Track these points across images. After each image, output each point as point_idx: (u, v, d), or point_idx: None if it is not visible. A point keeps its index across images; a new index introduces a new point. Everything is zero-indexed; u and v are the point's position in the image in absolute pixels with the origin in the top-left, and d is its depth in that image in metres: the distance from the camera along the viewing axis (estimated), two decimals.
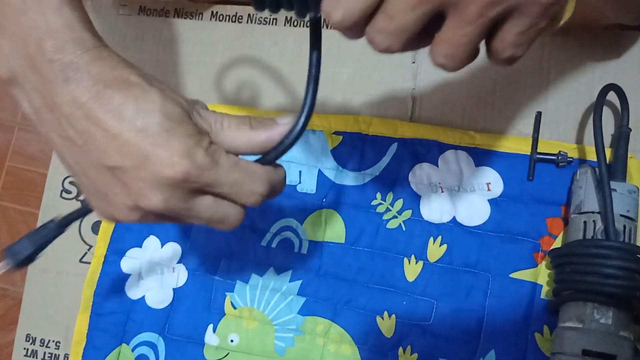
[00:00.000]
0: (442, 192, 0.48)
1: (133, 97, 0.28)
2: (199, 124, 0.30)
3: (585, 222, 0.42)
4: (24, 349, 0.52)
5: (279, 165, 0.34)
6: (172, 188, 0.28)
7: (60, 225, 0.38)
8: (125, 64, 0.30)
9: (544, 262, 0.46)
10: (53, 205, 0.54)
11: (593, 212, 0.42)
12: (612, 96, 0.45)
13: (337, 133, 0.51)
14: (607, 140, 0.46)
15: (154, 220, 0.31)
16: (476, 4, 0.24)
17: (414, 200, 0.49)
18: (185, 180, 0.28)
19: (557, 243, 0.46)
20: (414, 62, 0.51)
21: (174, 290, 0.50)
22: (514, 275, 0.46)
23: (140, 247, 0.51)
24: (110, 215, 0.31)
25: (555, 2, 0.25)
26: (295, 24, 0.53)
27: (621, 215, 0.41)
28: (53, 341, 0.52)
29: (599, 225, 0.41)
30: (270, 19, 0.54)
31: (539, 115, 0.48)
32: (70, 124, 0.28)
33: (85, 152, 0.29)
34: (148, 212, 0.30)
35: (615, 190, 0.41)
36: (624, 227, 0.41)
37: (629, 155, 0.44)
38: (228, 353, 0.48)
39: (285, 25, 0.54)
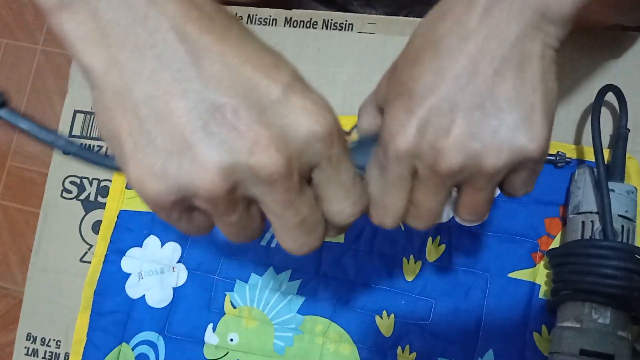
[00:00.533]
0: None
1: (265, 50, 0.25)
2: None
3: (583, 222, 0.42)
4: (25, 347, 0.52)
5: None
6: (318, 142, 0.24)
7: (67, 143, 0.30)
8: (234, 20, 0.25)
9: (542, 262, 0.46)
10: (54, 204, 0.54)
11: (591, 213, 0.42)
12: (610, 97, 0.45)
13: None
14: (606, 140, 0.46)
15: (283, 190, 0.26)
16: (483, 176, 0.25)
17: None
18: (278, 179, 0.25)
19: (555, 243, 0.46)
20: None
21: (174, 289, 0.50)
22: (512, 275, 0.46)
23: (141, 246, 0.51)
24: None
25: (547, 152, 0.27)
26: (295, 24, 0.54)
27: (619, 216, 0.41)
28: (54, 340, 0.52)
29: (597, 225, 0.41)
30: (270, 19, 0.54)
31: None
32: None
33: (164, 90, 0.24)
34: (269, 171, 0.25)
35: (613, 190, 0.41)
36: (622, 227, 0.41)
37: (627, 156, 0.45)
38: (228, 352, 0.49)
39: (285, 26, 0.54)
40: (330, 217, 0.27)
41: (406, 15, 0.66)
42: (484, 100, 0.24)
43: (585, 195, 0.43)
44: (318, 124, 0.23)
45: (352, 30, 0.52)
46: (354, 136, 0.30)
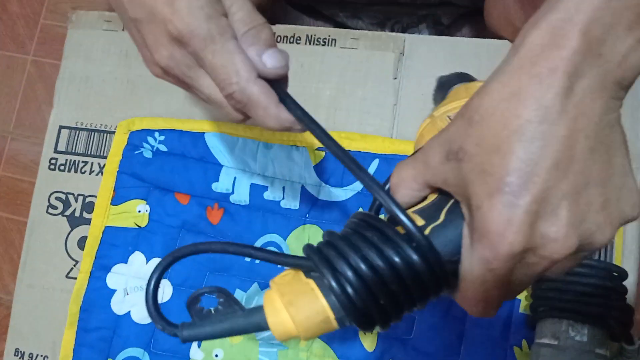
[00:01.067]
0: None
1: None
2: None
3: None
4: None
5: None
6: (175, 45, 0.30)
7: None
8: None
9: None
10: (39, 220, 0.54)
11: None
12: None
13: (320, 149, 0.51)
14: None
15: (173, 81, 0.32)
16: (590, 251, 0.26)
17: None
18: (182, 39, 0.29)
19: None
20: (395, 78, 0.51)
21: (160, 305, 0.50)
22: None
23: (126, 262, 0.51)
24: (147, 66, 0.33)
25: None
26: (279, 39, 0.54)
27: None
28: (41, 356, 0.52)
29: None
30: None
31: None
32: None
33: (122, 6, 0.31)
34: (163, 68, 0.31)
35: None
36: None
37: None
38: None
39: (282, 42, 0.54)
40: None
41: (393, 26, 0.67)
42: (586, 180, 0.24)
43: None
44: None
45: (335, 45, 0.52)
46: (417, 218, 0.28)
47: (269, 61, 0.31)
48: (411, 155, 0.28)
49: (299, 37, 0.53)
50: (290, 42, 0.53)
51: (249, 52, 0.31)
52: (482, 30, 0.59)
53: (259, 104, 0.31)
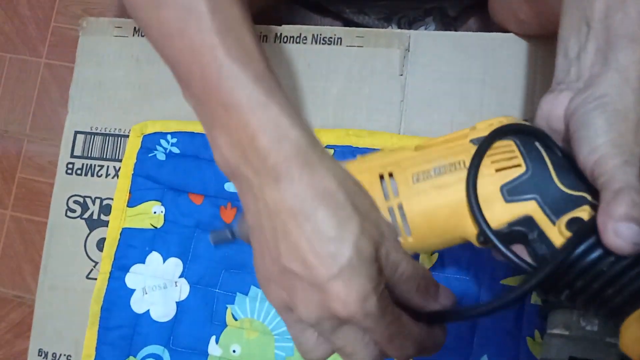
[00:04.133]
0: None
1: (335, 220, 0.28)
2: (381, 263, 0.30)
3: None
4: None
5: (442, 326, 0.34)
6: (329, 319, 0.29)
7: None
8: (335, 175, 0.29)
9: None
10: (59, 223, 0.56)
11: None
12: None
13: (328, 147, 0.52)
14: None
15: (321, 328, 0.30)
16: None
17: None
18: (347, 320, 0.29)
19: None
20: (401, 75, 0.52)
21: (177, 303, 0.52)
22: (504, 281, 0.47)
23: (144, 263, 0.53)
24: (264, 290, 0.32)
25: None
26: (285, 40, 0.54)
27: None
28: (64, 355, 0.54)
29: None
30: (261, 36, 0.55)
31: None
32: (269, 217, 0.29)
33: (270, 244, 0.30)
34: (297, 317, 0.30)
35: None
36: None
37: None
38: None
39: (275, 42, 0.55)
40: None
41: (399, 20, 0.67)
42: None
43: None
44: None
45: (341, 44, 0.53)
46: None
47: (443, 301, 0.33)
48: None
49: (305, 36, 0.54)
50: (296, 42, 0.54)
51: (422, 304, 0.32)
52: (489, 21, 0.59)
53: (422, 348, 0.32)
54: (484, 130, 0.33)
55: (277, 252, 0.29)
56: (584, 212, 0.30)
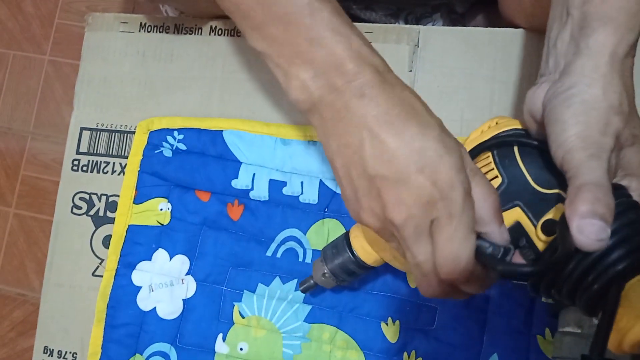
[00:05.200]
0: None
1: (417, 121, 0.31)
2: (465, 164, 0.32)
3: None
4: None
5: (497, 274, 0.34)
6: (417, 210, 0.30)
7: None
8: (411, 92, 0.33)
9: None
10: (65, 220, 0.55)
11: None
12: None
13: None
14: None
15: (385, 235, 0.33)
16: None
17: None
18: (431, 207, 0.30)
19: None
20: (410, 71, 0.51)
21: (184, 301, 0.51)
22: (515, 280, 0.46)
23: (150, 260, 0.52)
24: (357, 215, 0.34)
25: None
26: None
27: None
28: (70, 352, 0.53)
29: None
30: None
31: None
32: (353, 132, 0.31)
33: (355, 158, 0.32)
34: (387, 223, 0.32)
35: None
36: None
37: None
38: None
39: None
40: None
41: (406, 16, 0.66)
42: None
43: None
44: None
45: None
46: None
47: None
48: None
49: None
50: None
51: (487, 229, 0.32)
52: (497, 18, 0.58)
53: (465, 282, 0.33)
54: (474, 141, 0.34)
55: (364, 164, 0.31)
56: (557, 211, 0.31)
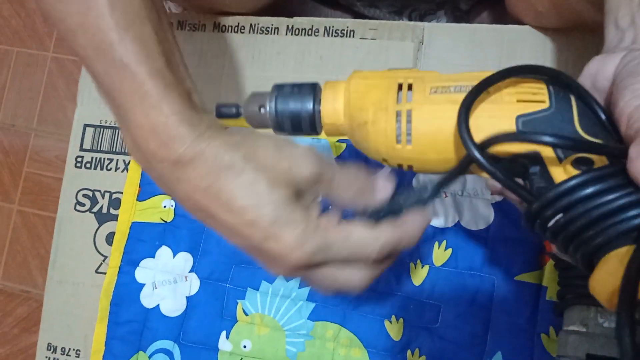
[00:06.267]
0: (446, 197, 0.49)
1: (240, 190, 0.29)
2: (308, 196, 0.31)
3: None
4: (46, 357, 0.53)
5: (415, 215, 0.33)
6: (289, 270, 0.30)
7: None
8: (227, 148, 0.30)
9: (548, 265, 0.46)
10: (68, 217, 0.55)
11: None
12: None
13: (340, 141, 0.51)
14: None
15: (302, 278, 0.32)
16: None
17: None
18: (299, 266, 0.29)
19: None
20: (415, 68, 0.51)
21: (187, 298, 0.51)
22: (518, 277, 0.46)
23: (153, 257, 0.52)
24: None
25: None
26: (297, 32, 0.54)
27: None
28: (73, 349, 0.53)
29: None
30: (272, 28, 0.55)
31: None
32: (194, 212, 0.31)
33: (210, 225, 0.31)
34: (285, 274, 0.32)
35: None
36: None
37: None
38: (241, 358, 0.50)
39: (287, 34, 0.54)
40: None
41: (410, 14, 0.66)
42: None
43: None
44: None
45: (353, 36, 0.52)
46: None
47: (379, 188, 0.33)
48: None
49: (317, 29, 0.53)
50: (308, 35, 0.53)
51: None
52: (501, 15, 0.58)
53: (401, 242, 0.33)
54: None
55: (220, 232, 0.31)
56: (595, 157, 0.29)
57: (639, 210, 0.26)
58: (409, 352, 0.47)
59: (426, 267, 0.48)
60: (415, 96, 0.31)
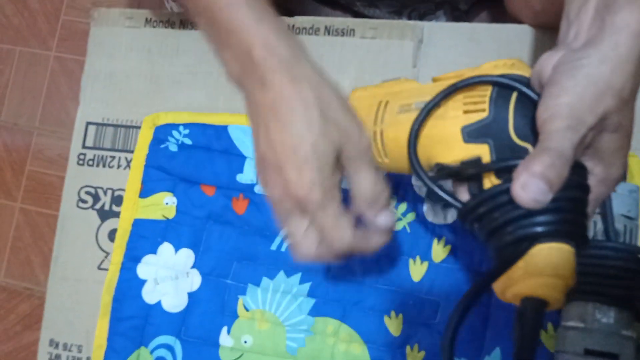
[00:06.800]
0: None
1: (301, 121, 0.34)
2: (343, 163, 0.35)
3: None
4: (48, 353, 0.54)
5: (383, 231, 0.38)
6: (286, 199, 0.34)
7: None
8: (310, 88, 0.34)
9: None
10: (70, 214, 0.56)
11: (594, 213, 0.42)
12: None
13: None
14: None
15: (281, 207, 0.36)
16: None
17: (418, 202, 0.50)
18: (296, 202, 0.34)
19: None
20: (415, 67, 0.51)
21: (189, 294, 0.52)
22: None
23: (155, 253, 0.53)
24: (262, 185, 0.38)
25: None
26: (298, 31, 0.54)
27: (622, 215, 0.41)
28: (75, 345, 0.54)
29: (600, 226, 0.42)
30: None
31: None
32: (257, 115, 0.35)
33: (256, 138, 0.36)
34: (270, 200, 0.36)
35: (615, 190, 0.42)
36: (625, 227, 0.41)
37: (629, 154, 0.45)
38: (242, 354, 0.50)
39: (301, 33, 0.55)
40: None
41: (410, 14, 0.67)
42: None
43: None
44: None
45: (353, 35, 0.53)
46: None
47: (382, 220, 0.37)
48: None
49: (318, 28, 0.54)
50: (309, 34, 0.54)
51: (367, 214, 0.37)
52: (500, 15, 0.58)
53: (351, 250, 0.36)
54: (486, 71, 0.35)
55: (259, 144, 0.35)
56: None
57: (514, 226, 0.30)
58: (408, 347, 0.48)
59: (425, 264, 0.49)
60: (386, 117, 0.38)
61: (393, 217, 0.37)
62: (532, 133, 0.32)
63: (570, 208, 0.30)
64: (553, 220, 0.30)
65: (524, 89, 0.33)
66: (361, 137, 0.35)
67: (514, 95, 0.33)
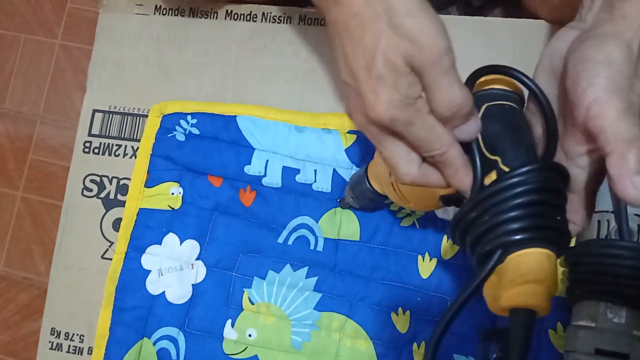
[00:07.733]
0: None
1: (370, 36, 0.31)
2: (416, 71, 0.32)
3: (599, 222, 0.42)
4: (49, 342, 0.53)
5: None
6: (371, 124, 0.32)
7: None
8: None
9: (557, 260, 0.46)
10: (75, 202, 0.55)
11: (607, 212, 0.42)
12: None
13: (351, 132, 0.51)
14: None
15: (369, 133, 0.34)
16: None
17: None
18: (377, 123, 0.32)
19: (571, 242, 0.46)
20: None
21: (193, 286, 0.51)
22: None
23: (160, 244, 0.52)
24: (347, 114, 0.36)
25: None
26: (309, 22, 0.54)
27: (635, 215, 0.41)
28: (77, 334, 0.53)
29: (613, 224, 0.41)
30: (284, 17, 0.54)
31: None
32: (334, 36, 0.34)
33: (337, 61, 0.34)
34: (358, 125, 0.34)
35: None
36: (638, 226, 0.41)
37: None
38: (246, 347, 0.50)
39: (299, 23, 0.54)
40: None
41: None
42: None
43: (600, 194, 0.42)
44: None
45: None
46: None
47: (463, 133, 0.33)
48: None
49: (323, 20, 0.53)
50: (321, 24, 0.53)
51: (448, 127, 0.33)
52: (514, 10, 0.58)
53: (453, 164, 0.33)
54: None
55: (340, 71, 0.33)
56: (488, 179, 0.31)
57: (492, 235, 0.29)
58: (414, 344, 0.47)
59: (434, 261, 0.48)
60: None
61: (477, 125, 0.33)
62: (499, 143, 0.32)
63: (541, 212, 0.29)
64: (524, 226, 0.28)
65: (497, 102, 0.34)
66: (434, 43, 0.31)
67: (484, 107, 0.33)
